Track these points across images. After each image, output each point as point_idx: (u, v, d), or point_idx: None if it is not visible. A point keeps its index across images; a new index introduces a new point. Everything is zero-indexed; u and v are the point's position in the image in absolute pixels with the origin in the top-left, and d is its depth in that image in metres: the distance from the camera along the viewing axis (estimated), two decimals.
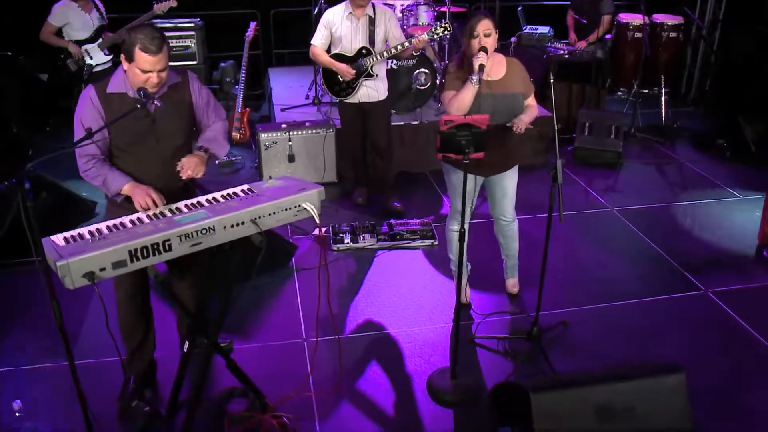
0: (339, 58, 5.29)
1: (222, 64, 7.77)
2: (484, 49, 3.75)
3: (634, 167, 6.80)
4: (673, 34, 7.52)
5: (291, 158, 6.00)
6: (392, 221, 5.34)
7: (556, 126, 3.56)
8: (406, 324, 4.28)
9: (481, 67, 3.68)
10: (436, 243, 5.08)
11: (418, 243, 5.10)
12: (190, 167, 3.19)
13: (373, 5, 5.28)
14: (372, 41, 5.26)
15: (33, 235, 2.65)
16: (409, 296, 4.56)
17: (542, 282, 3.90)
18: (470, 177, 3.96)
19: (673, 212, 5.82)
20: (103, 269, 2.69)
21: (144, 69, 3.05)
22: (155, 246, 2.81)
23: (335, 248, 5.07)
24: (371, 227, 5.24)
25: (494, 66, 3.93)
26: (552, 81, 3.68)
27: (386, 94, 5.46)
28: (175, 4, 5.64)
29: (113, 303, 3.46)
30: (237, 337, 4.13)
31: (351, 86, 5.33)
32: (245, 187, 3.28)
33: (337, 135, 6.02)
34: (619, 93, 8.23)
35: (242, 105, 6.79)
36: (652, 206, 5.89)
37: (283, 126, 6.01)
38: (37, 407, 3.38)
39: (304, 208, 3.13)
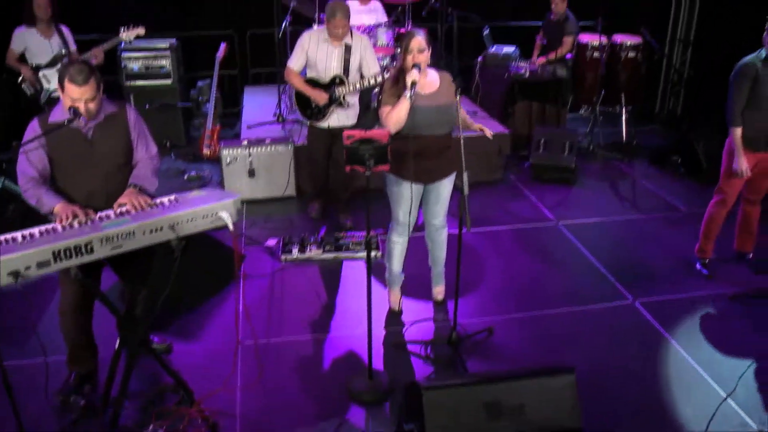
0: (313, 83, 5.44)
1: (199, 83, 8.07)
2: (417, 66, 3.95)
3: (588, 183, 7.04)
4: (632, 54, 7.77)
5: (251, 173, 6.27)
6: (339, 233, 5.58)
7: (461, 139, 3.75)
8: (336, 328, 4.53)
9: (413, 84, 3.89)
10: (380, 254, 5.31)
11: (361, 254, 5.32)
12: (130, 204, 3.42)
13: (351, 31, 5.38)
14: (347, 70, 5.37)
15: None
16: (344, 303, 4.82)
17: (457, 289, 4.14)
18: (412, 185, 4.23)
19: (617, 226, 6.05)
20: (28, 268, 2.96)
21: (72, 97, 3.40)
22: (78, 248, 3.07)
23: (283, 258, 5.32)
24: (319, 239, 5.48)
25: (428, 80, 4.15)
26: (458, 99, 3.87)
27: (356, 120, 5.63)
28: (142, 32, 5.79)
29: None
30: (178, 338, 4.38)
31: (322, 112, 5.49)
32: (172, 197, 3.55)
33: (296, 151, 6.30)
34: (582, 111, 8.49)
35: (213, 122, 7.10)
36: (597, 220, 6.13)
37: (244, 142, 6.29)
38: None
39: (220, 216, 3.41)
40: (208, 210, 3.38)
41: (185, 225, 3.33)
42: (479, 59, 8.33)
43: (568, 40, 7.73)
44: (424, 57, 4.00)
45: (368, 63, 5.41)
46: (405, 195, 4.25)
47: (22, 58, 6.14)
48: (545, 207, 6.39)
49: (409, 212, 4.34)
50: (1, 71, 6.26)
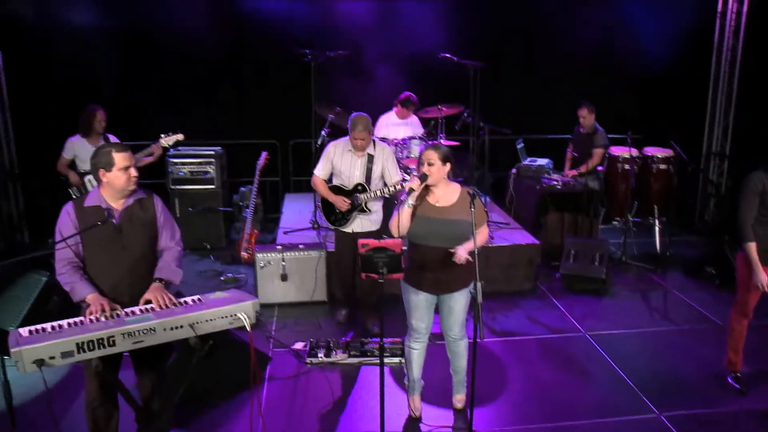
0: (337, 189, 5.73)
1: (242, 189, 8.44)
2: (423, 176, 4.15)
3: (619, 293, 7.01)
4: (663, 166, 7.88)
5: (284, 277, 6.45)
6: (365, 339, 5.66)
7: (476, 250, 3.86)
8: None
9: (410, 190, 4.09)
10: (403, 360, 5.33)
11: (386, 360, 5.35)
12: (156, 300, 3.63)
13: (374, 142, 5.70)
14: (369, 178, 5.66)
15: None
16: (364, 408, 4.83)
17: (473, 397, 4.16)
18: (423, 294, 4.34)
19: (647, 338, 5.97)
20: (52, 357, 3.16)
21: (126, 166, 3.68)
22: (100, 341, 3.26)
23: (308, 361, 5.39)
24: (345, 344, 5.56)
25: (446, 193, 4.28)
26: (472, 209, 3.99)
27: (379, 225, 5.81)
28: (181, 138, 6.13)
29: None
30: None
31: (346, 218, 5.75)
32: (196, 297, 3.73)
33: (328, 257, 6.47)
34: (615, 222, 8.54)
35: (252, 227, 7.35)
36: (627, 332, 6.07)
37: (278, 247, 6.52)
38: None
39: (239, 317, 3.55)
40: (227, 311, 3.55)
41: (205, 324, 3.49)
42: (513, 171, 8.55)
43: (598, 152, 7.89)
44: (435, 170, 4.17)
45: (390, 172, 5.68)
46: (417, 303, 4.36)
47: (71, 165, 6.60)
48: (574, 318, 6.36)
49: (423, 320, 4.42)
50: (58, 175, 6.70)
